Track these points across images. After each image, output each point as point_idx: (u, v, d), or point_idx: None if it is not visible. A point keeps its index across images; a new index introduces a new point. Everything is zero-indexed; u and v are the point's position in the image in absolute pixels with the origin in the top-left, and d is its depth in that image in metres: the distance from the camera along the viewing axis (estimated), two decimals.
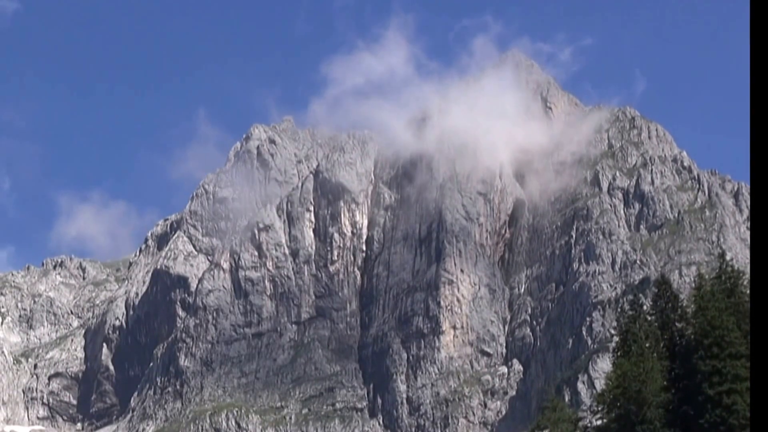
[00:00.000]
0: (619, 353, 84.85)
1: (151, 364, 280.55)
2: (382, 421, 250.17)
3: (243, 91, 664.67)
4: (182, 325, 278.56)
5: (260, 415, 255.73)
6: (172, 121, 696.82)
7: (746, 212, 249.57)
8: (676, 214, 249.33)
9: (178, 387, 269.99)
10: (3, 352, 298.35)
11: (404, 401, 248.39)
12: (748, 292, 78.66)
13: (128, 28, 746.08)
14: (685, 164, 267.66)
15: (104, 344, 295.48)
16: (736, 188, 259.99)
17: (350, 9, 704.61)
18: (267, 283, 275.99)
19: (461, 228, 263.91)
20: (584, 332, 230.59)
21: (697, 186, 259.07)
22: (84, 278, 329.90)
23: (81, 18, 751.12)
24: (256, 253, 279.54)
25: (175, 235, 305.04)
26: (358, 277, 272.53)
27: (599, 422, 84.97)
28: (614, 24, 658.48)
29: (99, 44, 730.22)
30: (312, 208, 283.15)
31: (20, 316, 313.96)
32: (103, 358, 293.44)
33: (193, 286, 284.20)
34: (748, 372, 71.16)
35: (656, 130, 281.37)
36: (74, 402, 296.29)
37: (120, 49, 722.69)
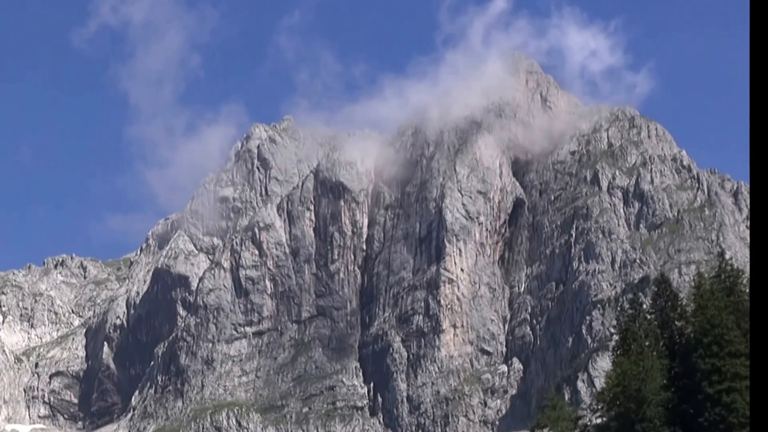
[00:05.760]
0: (618, 352, 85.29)
1: (152, 362, 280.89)
2: (383, 419, 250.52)
3: (243, 90, 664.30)
4: (183, 324, 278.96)
5: (261, 413, 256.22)
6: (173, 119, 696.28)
7: (746, 211, 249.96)
8: (676, 213, 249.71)
9: (179, 386, 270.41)
10: (4, 351, 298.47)
11: (404, 400, 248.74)
12: (748, 290, 79.06)
13: (129, 28, 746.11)
14: (685, 163, 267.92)
15: (105, 343, 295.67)
16: (735, 187, 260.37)
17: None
18: (267, 282, 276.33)
19: (461, 227, 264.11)
20: (584, 331, 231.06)
21: (697, 185, 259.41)
22: (85, 277, 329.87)
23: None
24: (257, 252, 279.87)
25: (176, 234, 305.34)
26: (359, 275, 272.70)
27: (599, 420, 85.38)
28: (614, 23, 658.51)
29: (102, 43, 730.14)
30: (312, 207, 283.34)
31: (21, 315, 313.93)
32: (104, 356, 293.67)
33: (194, 285, 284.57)
34: (748, 370, 71.53)
35: (656, 129, 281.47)
36: (75, 401, 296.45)
37: (122, 49, 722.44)
